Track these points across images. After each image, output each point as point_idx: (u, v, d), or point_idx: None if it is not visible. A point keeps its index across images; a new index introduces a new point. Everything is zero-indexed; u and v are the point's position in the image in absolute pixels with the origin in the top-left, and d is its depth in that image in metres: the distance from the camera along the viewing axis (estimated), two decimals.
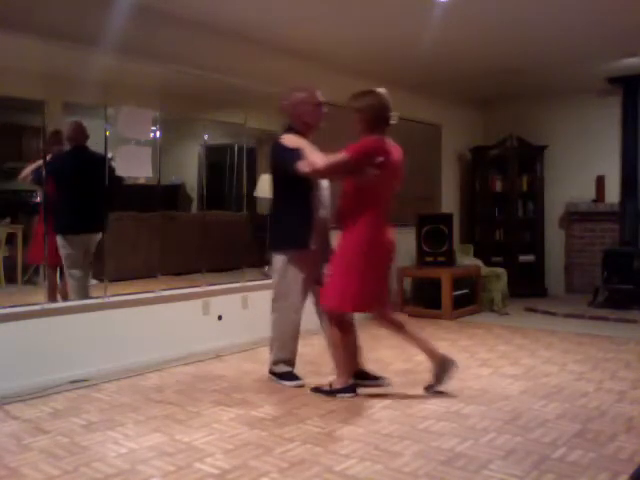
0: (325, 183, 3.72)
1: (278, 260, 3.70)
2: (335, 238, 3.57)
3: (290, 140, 3.54)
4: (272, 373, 3.83)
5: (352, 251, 3.40)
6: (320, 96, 3.70)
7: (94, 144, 4.22)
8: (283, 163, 3.53)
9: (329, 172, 3.46)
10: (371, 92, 3.45)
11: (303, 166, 3.40)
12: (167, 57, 4.32)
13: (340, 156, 3.32)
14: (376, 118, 3.40)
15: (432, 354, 3.55)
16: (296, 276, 3.66)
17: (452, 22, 4.59)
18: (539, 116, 7.68)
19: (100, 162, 4.14)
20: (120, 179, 4.29)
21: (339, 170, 3.40)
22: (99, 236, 4.24)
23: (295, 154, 3.43)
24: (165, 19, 4.35)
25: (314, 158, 3.41)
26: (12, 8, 3.59)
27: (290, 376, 3.75)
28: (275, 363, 3.80)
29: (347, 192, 3.45)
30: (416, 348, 3.61)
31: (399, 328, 3.56)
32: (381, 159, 3.32)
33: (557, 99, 7.47)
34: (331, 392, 3.52)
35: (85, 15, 3.94)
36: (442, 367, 3.52)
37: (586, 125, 7.37)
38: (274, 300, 3.78)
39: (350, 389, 3.52)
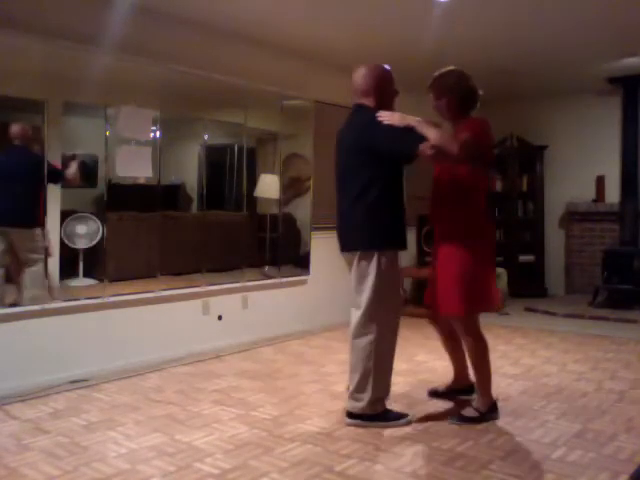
0: None
1: (367, 263, 2.99)
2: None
3: (392, 117, 2.93)
4: (362, 416, 3.00)
5: (470, 247, 3.06)
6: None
7: (94, 144, 4.22)
8: (395, 145, 2.94)
9: (465, 156, 2.89)
10: (456, 71, 3.16)
11: (444, 147, 2.84)
12: (167, 57, 4.32)
13: (466, 136, 2.89)
14: (469, 99, 3.14)
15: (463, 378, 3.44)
16: (395, 285, 3.11)
17: (452, 22, 4.59)
18: (539, 116, 7.68)
19: (37, 162, 4.08)
20: (58, 176, 4.19)
21: (470, 154, 2.91)
22: (28, 232, 4.05)
23: (416, 134, 2.87)
24: (165, 19, 4.35)
25: (448, 139, 2.88)
26: (12, 8, 3.59)
27: (395, 414, 3.07)
28: (373, 403, 2.99)
29: (456, 181, 3.09)
30: (454, 362, 3.49)
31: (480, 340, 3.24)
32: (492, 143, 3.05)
33: (557, 99, 7.46)
34: (482, 418, 3.06)
35: (85, 15, 3.94)
36: (462, 392, 3.41)
37: (586, 125, 7.37)
38: (369, 318, 2.97)
39: (495, 408, 3.15)
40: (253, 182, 5.75)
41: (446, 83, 3.14)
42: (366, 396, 2.96)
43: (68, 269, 4.57)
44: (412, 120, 2.90)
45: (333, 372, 4.00)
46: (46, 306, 3.79)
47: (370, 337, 2.95)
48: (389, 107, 3.07)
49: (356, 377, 2.98)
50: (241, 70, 4.85)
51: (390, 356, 3.05)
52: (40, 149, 4.05)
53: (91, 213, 4.76)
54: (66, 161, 4.13)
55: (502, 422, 3.07)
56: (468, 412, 3.10)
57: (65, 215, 4.51)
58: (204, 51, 4.64)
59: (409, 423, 3.03)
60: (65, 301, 4.00)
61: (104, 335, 4.01)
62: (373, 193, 2.98)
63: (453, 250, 3.09)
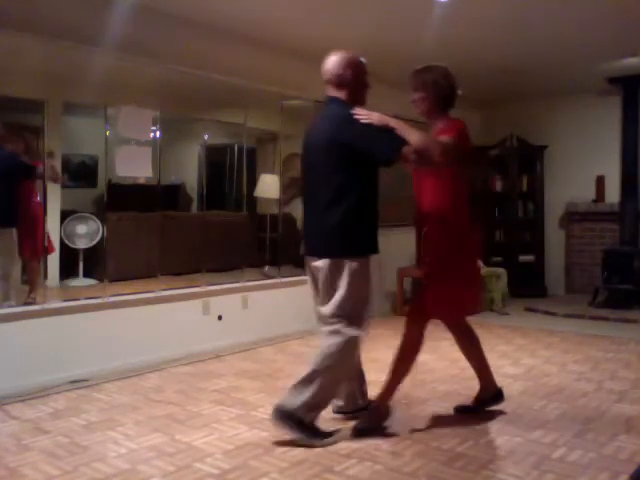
0: None
1: (343, 270, 2.79)
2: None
3: (370, 116, 2.75)
4: (292, 416, 2.75)
5: (456, 251, 2.98)
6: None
7: (94, 144, 4.23)
8: (375, 147, 2.75)
9: (447, 160, 2.78)
10: (439, 67, 3.04)
11: (427, 151, 2.73)
12: (167, 57, 4.32)
13: (447, 140, 2.81)
14: (449, 97, 3.02)
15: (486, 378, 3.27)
16: (367, 291, 2.91)
17: (452, 22, 4.59)
18: (539, 116, 7.68)
19: (8, 159, 4.04)
20: (29, 172, 4.10)
21: (452, 158, 2.82)
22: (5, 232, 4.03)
23: (397, 137, 2.72)
24: (165, 19, 4.35)
25: (431, 142, 2.77)
26: (12, 8, 3.59)
27: (323, 432, 2.83)
28: (308, 406, 2.75)
29: (437, 186, 2.98)
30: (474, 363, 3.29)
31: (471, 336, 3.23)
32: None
33: (557, 99, 7.46)
34: (382, 426, 2.99)
35: (85, 15, 3.94)
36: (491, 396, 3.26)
37: (586, 125, 7.37)
38: (341, 318, 2.79)
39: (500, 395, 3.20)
40: (253, 182, 5.75)
41: (426, 77, 3.01)
42: (305, 396, 2.73)
43: (68, 269, 4.58)
44: (392, 121, 2.76)
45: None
46: (46, 306, 3.79)
47: (336, 341, 2.77)
48: (362, 102, 2.91)
49: (305, 373, 2.77)
50: (241, 70, 4.85)
51: (348, 365, 2.87)
52: (24, 146, 4.02)
53: (91, 213, 4.77)
54: (47, 158, 4.01)
55: (502, 422, 3.07)
56: (371, 421, 2.97)
57: (65, 215, 4.52)
58: (204, 51, 4.64)
59: (333, 443, 2.78)
60: (65, 301, 4.01)
61: (104, 335, 4.01)
62: (350, 197, 2.78)
63: (440, 256, 2.98)
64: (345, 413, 3.08)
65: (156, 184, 4.59)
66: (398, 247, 6.58)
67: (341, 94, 2.88)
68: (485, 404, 3.24)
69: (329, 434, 2.83)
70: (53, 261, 4.29)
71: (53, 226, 4.21)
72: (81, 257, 4.66)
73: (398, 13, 4.46)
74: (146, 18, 4.17)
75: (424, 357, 4.45)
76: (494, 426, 3.01)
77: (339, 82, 2.88)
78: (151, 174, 4.52)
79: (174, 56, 4.37)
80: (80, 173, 5.60)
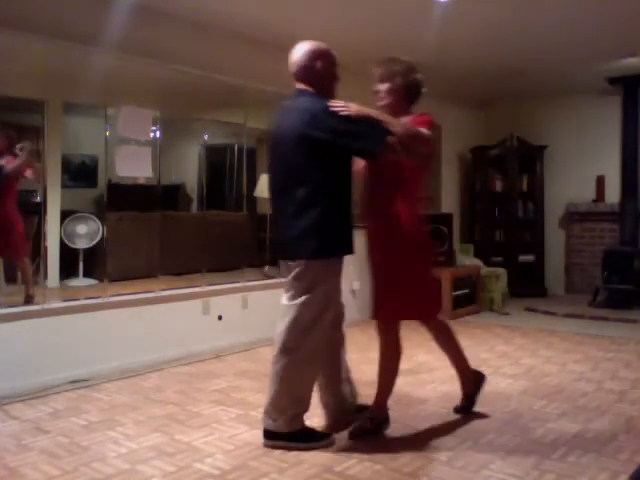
0: None
1: (317, 273, 2.67)
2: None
3: (348, 107, 2.58)
4: (281, 435, 2.69)
5: (418, 249, 2.87)
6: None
7: (94, 144, 4.23)
8: (358, 140, 2.59)
9: (431, 150, 2.71)
10: (406, 61, 2.93)
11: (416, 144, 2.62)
12: (167, 57, 4.32)
13: (425, 130, 2.70)
14: (416, 92, 2.90)
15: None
16: (339, 293, 2.80)
17: (452, 22, 4.59)
18: (539, 116, 7.68)
19: None
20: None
21: (432, 149, 2.74)
22: None
23: (380, 128, 2.58)
24: (165, 19, 4.35)
25: (417, 133, 2.65)
26: (12, 8, 3.59)
27: (316, 434, 2.78)
28: (291, 419, 2.69)
29: (395, 182, 2.82)
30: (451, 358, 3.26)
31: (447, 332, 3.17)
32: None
33: (557, 99, 7.46)
34: (379, 429, 2.93)
35: (85, 15, 3.94)
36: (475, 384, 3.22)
37: (586, 125, 7.37)
38: (307, 329, 2.66)
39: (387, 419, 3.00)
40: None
41: (396, 69, 2.87)
42: (283, 412, 2.67)
43: (68, 269, 4.58)
44: (372, 112, 2.61)
45: None
46: (46, 306, 3.79)
47: (304, 349, 2.66)
48: (332, 95, 2.75)
49: (274, 391, 2.70)
50: (241, 70, 4.85)
51: (316, 369, 2.77)
52: (7, 143, 3.99)
53: (91, 213, 4.77)
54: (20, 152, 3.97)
55: (502, 422, 3.07)
56: (368, 424, 2.90)
57: (65, 215, 4.52)
58: (204, 51, 4.64)
59: (331, 444, 2.73)
60: (65, 301, 4.01)
61: (104, 335, 4.01)
62: (326, 195, 2.62)
63: (405, 256, 2.84)
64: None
65: (156, 184, 4.59)
66: None
67: (310, 86, 2.72)
68: (474, 395, 3.21)
69: (327, 435, 2.81)
70: (53, 261, 4.29)
71: (53, 226, 4.21)
72: (81, 257, 4.66)
73: (398, 13, 4.46)
74: (146, 18, 4.17)
75: (424, 357, 4.46)
76: (494, 426, 3.01)
77: (308, 74, 2.72)
78: (151, 174, 4.52)
79: (174, 56, 4.37)
80: (80, 173, 5.60)
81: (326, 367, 2.86)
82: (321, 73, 2.74)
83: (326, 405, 2.94)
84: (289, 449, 2.67)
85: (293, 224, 2.65)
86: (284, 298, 2.74)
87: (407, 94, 2.88)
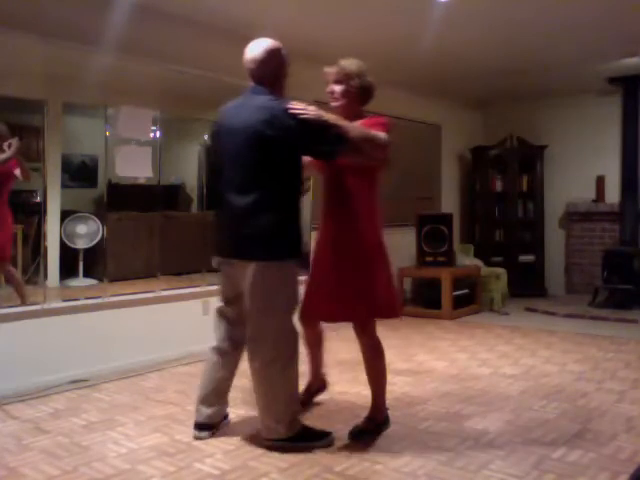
0: None
1: (279, 275, 2.68)
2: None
3: (307, 110, 2.61)
4: (284, 440, 2.69)
5: (378, 246, 2.84)
6: None
7: (94, 144, 4.22)
8: (318, 143, 2.65)
9: (387, 154, 2.74)
10: (359, 62, 2.92)
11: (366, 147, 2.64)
12: (167, 57, 4.32)
13: (382, 134, 2.73)
14: (368, 92, 2.90)
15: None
16: (297, 292, 2.80)
17: (452, 22, 4.59)
18: (539, 116, 7.68)
19: None
20: None
21: (387, 152, 2.76)
22: None
23: (339, 131, 2.62)
24: (165, 19, 4.35)
25: (374, 136, 2.68)
26: (12, 8, 3.59)
27: (316, 433, 2.80)
28: (290, 423, 2.70)
29: (357, 184, 2.82)
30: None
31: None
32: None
33: (557, 99, 7.46)
34: (380, 429, 2.92)
35: (85, 15, 3.94)
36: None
37: (586, 125, 7.37)
38: (279, 335, 2.70)
39: (387, 419, 2.99)
40: None
41: (352, 71, 2.86)
42: (281, 419, 2.67)
43: (68, 269, 4.58)
44: (330, 115, 2.66)
45: (332, 372, 3.99)
46: (46, 306, 3.79)
47: (284, 355, 2.70)
48: (283, 92, 2.77)
49: (266, 402, 2.70)
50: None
51: (297, 365, 2.77)
52: None
53: (91, 213, 4.77)
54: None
55: (502, 422, 3.07)
56: (367, 425, 2.89)
57: (65, 215, 4.52)
58: (204, 51, 4.64)
59: (331, 443, 2.75)
60: (65, 301, 4.01)
61: (104, 335, 4.01)
62: (282, 195, 2.64)
63: (366, 254, 2.80)
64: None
65: (156, 184, 4.59)
66: (398, 247, 6.59)
67: (265, 84, 2.72)
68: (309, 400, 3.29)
69: (326, 433, 2.81)
70: (53, 261, 4.29)
71: (53, 226, 4.21)
72: (81, 257, 4.66)
73: (398, 13, 4.46)
74: (146, 18, 4.17)
75: (424, 357, 4.47)
76: (494, 426, 3.01)
77: (265, 71, 2.73)
78: (151, 174, 4.52)
79: (174, 56, 4.37)
80: (80, 173, 5.60)
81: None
82: (277, 71, 2.76)
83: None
84: (295, 451, 2.66)
85: (250, 224, 2.62)
86: (249, 302, 2.68)
87: (361, 96, 2.89)
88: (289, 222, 2.67)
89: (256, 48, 2.75)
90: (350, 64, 2.89)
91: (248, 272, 2.63)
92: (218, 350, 2.91)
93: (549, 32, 4.95)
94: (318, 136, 2.62)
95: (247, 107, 2.70)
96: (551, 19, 4.62)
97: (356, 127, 2.70)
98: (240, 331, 2.83)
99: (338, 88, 2.87)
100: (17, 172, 3.99)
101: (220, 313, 2.91)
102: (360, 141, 2.65)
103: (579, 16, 4.56)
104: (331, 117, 2.66)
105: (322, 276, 2.88)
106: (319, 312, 2.95)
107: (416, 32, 4.80)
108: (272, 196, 2.62)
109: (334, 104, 2.88)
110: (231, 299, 2.85)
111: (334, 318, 2.94)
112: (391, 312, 2.85)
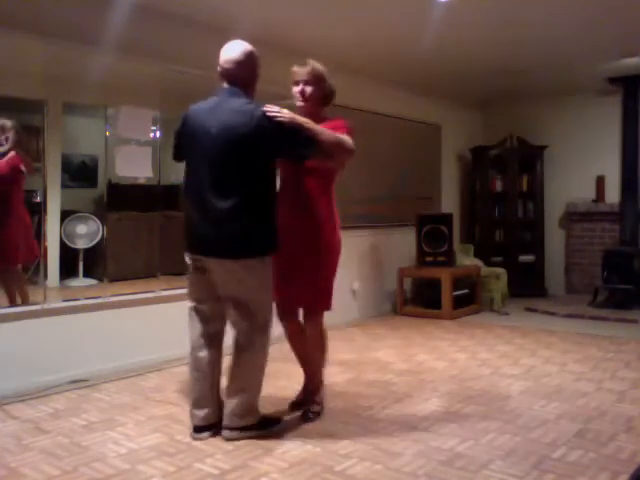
0: None
1: (260, 270, 2.79)
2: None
3: (282, 113, 2.70)
4: (248, 427, 2.83)
5: (333, 242, 3.01)
6: None
7: (94, 144, 4.22)
8: (292, 145, 2.74)
9: (352, 157, 2.86)
10: (324, 67, 3.01)
11: (334, 149, 2.76)
12: (167, 57, 4.32)
13: (347, 137, 2.83)
14: (330, 95, 3.03)
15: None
16: (270, 290, 2.92)
17: (452, 22, 4.59)
18: (539, 116, 7.68)
19: None
20: None
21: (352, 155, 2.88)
22: None
23: (310, 134, 2.72)
24: (165, 19, 4.35)
25: (342, 139, 2.79)
26: (12, 8, 3.59)
27: (270, 420, 2.99)
28: (257, 409, 2.90)
29: (320, 185, 2.98)
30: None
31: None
32: None
33: (557, 99, 7.47)
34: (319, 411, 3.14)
35: (85, 15, 3.94)
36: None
37: (586, 125, 7.38)
38: (261, 328, 2.85)
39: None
40: None
41: (320, 73, 2.96)
42: (253, 409, 2.86)
43: (68, 269, 4.57)
44: (302, 119, 2.74)
45: (332, 371, 3.99)
46: (46, 306, 3.79)
47: (258, 347, 2.85)
48: (253, 95, 2.85)
49: (247, 395, 2.84)
50: None
51: (265, 360, 2.92)
52: None
53: (91, 213, 4.76)
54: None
55: (502, 422, 3.07)
56: (316, 408, 3.12)
57: (65, 215, 4.51)
58: (204, 51, 4.63)
59: (284, 427, 2.94)
60: (65, 301, 4.01)
61: (104, 335, 4.01)
62: (262, 196, 2.72)
63: (320, 248, 2.97)
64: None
65: (156, 184, 4.59)
66: (398, 247, 6.59)
67: (240, 86, 2.78)
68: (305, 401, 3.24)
69: (278, 419, 3.00)
70: (53, 261, 4.29)
71: (53, 226, 4.21)
72: (81, 257, 4.66)
73: (398, 13, 4.46)
74: (146, 18, 4.17)
75: (424, 357, 4.47)
76: (494, 426, 3.01)
77: (241, 73, 2.79)
78: (151, 174, 4.52)
79: (174, 56, 4.37)
80: (80, 173, 5.59)
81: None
82: (252, 73, 2.84)
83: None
84: (255, 438, 2.80)
85: (234, 225, 2.68)
86: (230, 307, 2.83)
87: (325, 98, 3.00)
88: (268, 220, 2.77)
89: (234, 49, 2.80)
90: (320, 66, 2.99)
91: (233, 270, 2.73)
92: (197, 350, 2.92)
93: (549, 32, 4.95)
94: (292, 139, 2.71)
95: (223, 109, 2.74)
96: (551, 19, 4.62)
97: (325, 130, 2.77)
98: (214, 327, 2.92)
99: (309, 89, 2.95)
100: (23, 167, 4.00)
101: (194, 311, 2.92)
102: (329, 144, 2.75)
103: (579, 16, 4.56)
104: (303, 120, 2.73)
105: (283, 267, 2.96)
106: (279, 297, 3.05)
107: (416, 32, 4.80)
108: (253, 197, 2.70)
109: (300, 104, 2.97)
110: (204, 298, 2.89)
111: (291, 303, 3.10)
112: (326, 305, 3.07)
